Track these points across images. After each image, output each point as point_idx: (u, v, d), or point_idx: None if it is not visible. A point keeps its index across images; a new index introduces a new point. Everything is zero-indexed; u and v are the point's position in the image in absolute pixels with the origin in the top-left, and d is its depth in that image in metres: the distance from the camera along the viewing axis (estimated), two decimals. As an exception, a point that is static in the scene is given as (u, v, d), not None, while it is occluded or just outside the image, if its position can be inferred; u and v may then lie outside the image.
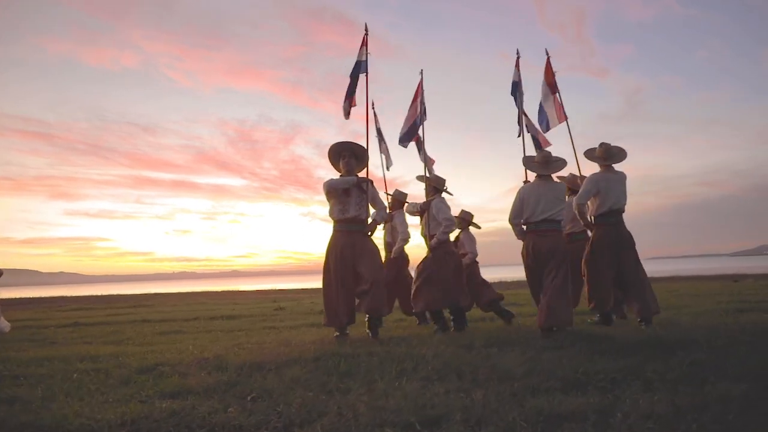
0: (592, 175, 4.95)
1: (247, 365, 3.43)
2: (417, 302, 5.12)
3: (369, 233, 4.91)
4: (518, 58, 5.97)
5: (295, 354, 3.75)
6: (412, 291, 5.20)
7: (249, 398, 2.57)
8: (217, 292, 29.62)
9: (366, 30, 5.47)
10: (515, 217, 4.81)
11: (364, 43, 5.42)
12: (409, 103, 6.00)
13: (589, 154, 5.09)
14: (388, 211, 5.62)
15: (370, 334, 4.70)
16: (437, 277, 5.05)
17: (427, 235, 5.23)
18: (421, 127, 5.86)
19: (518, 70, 5.90)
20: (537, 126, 5.90)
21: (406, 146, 6.11)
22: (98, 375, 3.49)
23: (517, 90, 5.86)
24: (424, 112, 5.78)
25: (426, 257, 5.21)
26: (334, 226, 4.89)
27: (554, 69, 6.06)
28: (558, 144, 6.11)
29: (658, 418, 2.02)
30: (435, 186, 5.44)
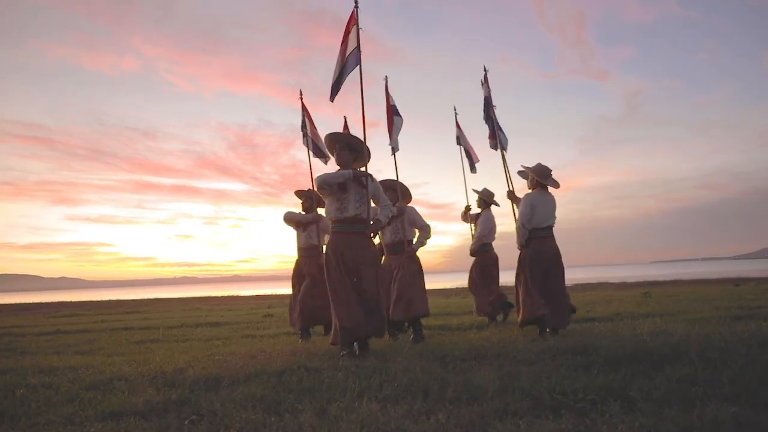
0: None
1: (203, 380, 3.18)
2: (398, 311, 4.93)
3: (372, 235, 4.39)
4: (486, 74, 5.97)
5: (259, 367, 3.50)
6: (394, 299, 5.01)
7: (188, 421, 2.33)
8: (216, 297, 29.42)
9: (356, 2, 4.53)
10: (528, 221, 4.93)
11: (355, 20, 4.55)
12: (400, 105, 5.81)
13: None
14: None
15: (357, 351, 4.09)
16: (420, 282, 5.01)
17: (404, 240, 5.14)
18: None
19: (488, 85, 5.87)
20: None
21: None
22: (46, 391, 3.26)
23: (489, 105, 5.85)
24: (396, 113, 5.60)
25: (394, 263, 5.13)
26: (332, 227, 4.39)
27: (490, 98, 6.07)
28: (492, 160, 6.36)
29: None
30: (402, 193, 5.34)
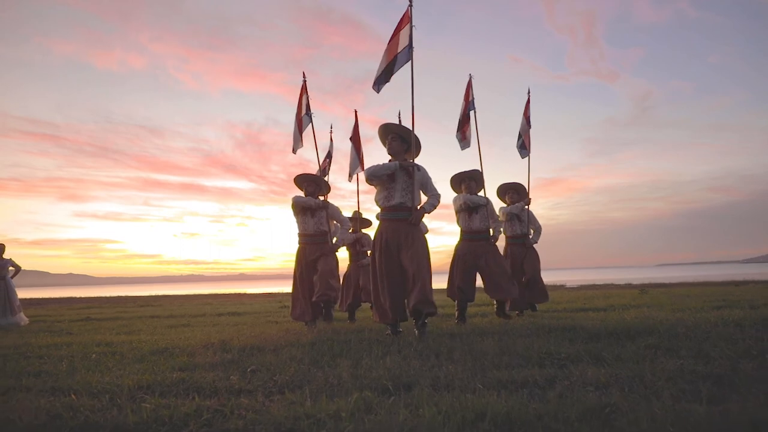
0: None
1: (248, 347, 3.79)
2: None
3: (414, 223, 4.45)
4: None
5: (293, 339, 4.10)
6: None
7: (249, 370, 2.92)
8: (224, 294, 30.02)
9: (410, 1, 4.69)
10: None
11: (408, 18, 4.69)
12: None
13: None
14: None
15: (417, 333, 4.24)
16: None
17: (488, 229, 5.83)
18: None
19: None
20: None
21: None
22: (114, 356, 3.86)
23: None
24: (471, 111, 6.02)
25: (480, 249, 5.70)
26: (380, 215, 4.60)
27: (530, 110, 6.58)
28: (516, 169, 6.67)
29: (598, 384, 2.34)
30: (480, 183, 5.95)
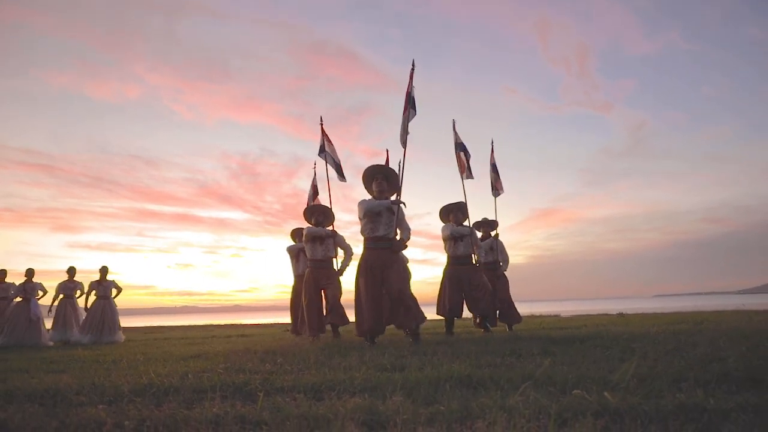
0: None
1: (271, 351, 4.60)
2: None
3: (396, 252, 5.27)
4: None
5: (306, 346, 4.92)
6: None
7: (278, 361, 3.75)
8: (220, 325, 30.32)
9: (413, 65, 5.61)
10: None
11: (411, 78, 5.62)
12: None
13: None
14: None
15: (412, 341, 5.08)
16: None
17: (471, 255, 6.71)
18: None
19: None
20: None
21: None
22: (158, 360, 4.64)
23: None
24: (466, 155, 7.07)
25: (464, 274, 6.55)
26: (365, 244, 5.29)
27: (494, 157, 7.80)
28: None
29: (542, 366, 3.18)
30: (465, 214, 6.89)
